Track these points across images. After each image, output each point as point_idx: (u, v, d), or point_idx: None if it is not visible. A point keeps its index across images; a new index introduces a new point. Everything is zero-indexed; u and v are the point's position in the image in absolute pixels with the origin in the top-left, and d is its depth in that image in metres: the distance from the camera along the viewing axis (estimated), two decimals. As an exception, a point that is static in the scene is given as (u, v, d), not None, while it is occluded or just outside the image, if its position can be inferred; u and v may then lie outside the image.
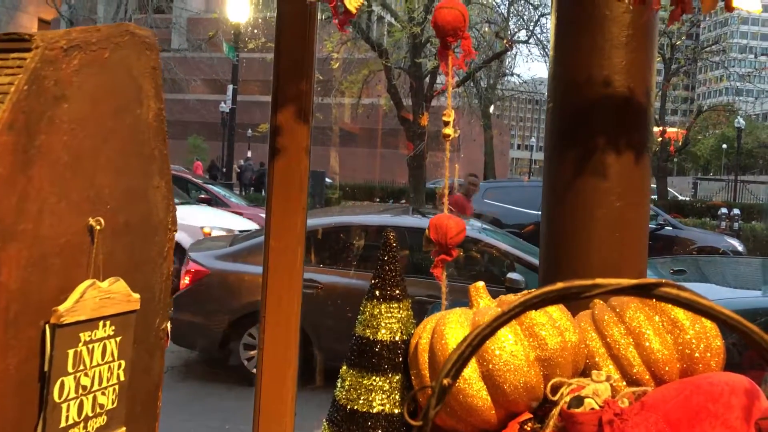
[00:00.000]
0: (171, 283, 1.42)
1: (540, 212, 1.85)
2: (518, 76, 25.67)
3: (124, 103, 1.27)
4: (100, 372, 1.19)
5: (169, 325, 1.44)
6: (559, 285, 0.66)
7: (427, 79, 16.98)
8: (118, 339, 1.22)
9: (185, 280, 6.41)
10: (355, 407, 1.41)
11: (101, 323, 1.18)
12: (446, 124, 1.55)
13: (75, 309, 1.12)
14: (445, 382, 0.65)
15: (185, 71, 31.30)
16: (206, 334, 6.47)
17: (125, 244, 1.27)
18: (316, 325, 6.08)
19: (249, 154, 36.17)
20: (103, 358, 1.20)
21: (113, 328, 1.21)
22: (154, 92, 1.35)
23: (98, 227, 1.18)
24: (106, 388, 1.21)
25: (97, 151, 1.20)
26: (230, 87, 25.25)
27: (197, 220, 10.90)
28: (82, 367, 1.15)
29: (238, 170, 30.59)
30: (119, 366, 1.24)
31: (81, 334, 1.15)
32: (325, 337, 6.01)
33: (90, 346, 1.17)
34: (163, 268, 1.39)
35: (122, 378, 1.24)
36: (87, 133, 1.18)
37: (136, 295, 1.26)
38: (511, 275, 5.87)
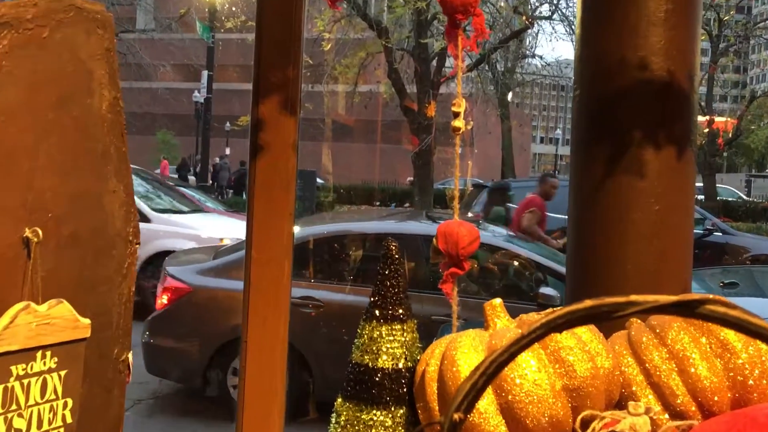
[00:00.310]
0: (133, 305, 1.39)
1: (567, 217, 1.85)
2: (540, 57, 25.69)
3: (69, 92, 1.23)
4: (39, 412, 1.15)
5: (131, 356, 1.41)
6: (588, 303, 0.66)
7: (434, 63, 17.01)
8: (62, 373, 1.18)
9: (163, 299, 6.38)
10: (353, 446, 1.41)
11: (39, 354, 1.14)
12: (456, 115, 1.55)
13: (3, 337, 1.08)
14: (456, 417, 0.65)
15: (152, 55, 31.32)
16: (187, 362, 6.44)
17: (73, 259, 1.24)
18: (316, 349, 6.06)
19: (227, 151, 36.22)
20: (43, 396, 1.15)
21: (56, 360, 1.17)
22: (109, 78, 1.31)
23: (36, 239, 1.14)
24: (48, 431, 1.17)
25: (35, 149, 1.16)
26: (205, 73, 25.31)
27: (214, 230, 10.49)
28: (14, 407, 1.11)
29: (212, 170, 30.65)
30: (65, 405, 1.19)
31: (13, 367, 1.11)
32: (325, 363, 5.99)
33: (25, 381, 1.12)
34: (123, 288, 1.36)
35: (69, 420, 1.20)
36: (21, 126, 1.14)
37: (85, 321, 1.22)
38: (544, 290, 5.88)
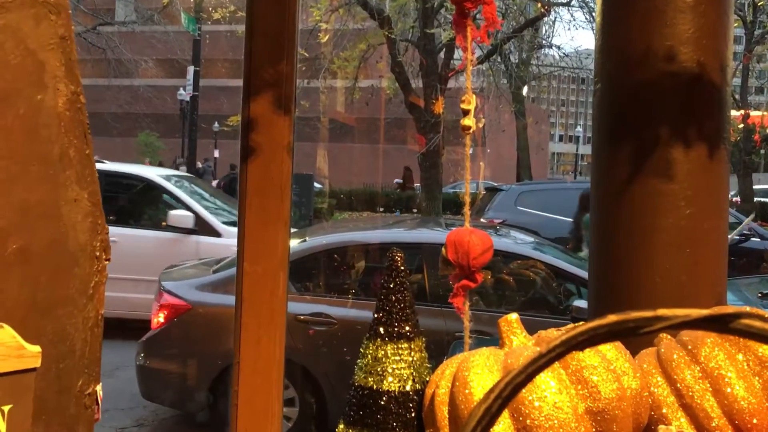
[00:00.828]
0: (102, 330, 1.33)
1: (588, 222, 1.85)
2: (558, 48, 25.68)
3: (14, 87, 1.18)
4: None
5: (100, 388, 1.34)
6: (612, 318, 0.66)
7: (442, 55, 17.02)
8: (5, 408, 1.12)
9: (159, 318, 6.35)
10: (356, 477, 1.41)
11: None
12: (466, 112, 1.55)
13: None
14: (469, 444, 0.65)
15: (133, 50, 31.41)
16: (187, 387, 6.41)
17: (22, 278, 1.18)
18: (328, 370, 6.04)
19: (216, 153, 36.26)
20: None
21: None
22: (65, 71, 1.26)
23: None
24: (-9, 478, 1.10)
25: (-31, 153, 1.11)
26: (191, 69, 25.36)
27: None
28: None
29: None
30: None
31: None
32: (339, 386, 5.95)
33: None
34: (89, 311, 1.29)
35: None
36: None
37: (34, 348, 1.15)
38: (578, 303, 5.86)
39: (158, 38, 33.96)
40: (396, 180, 25.42)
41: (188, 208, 9.60)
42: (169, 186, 10.27)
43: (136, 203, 10.59)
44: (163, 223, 9.66)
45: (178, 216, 9.45)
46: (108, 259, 1.36)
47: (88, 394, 1.32)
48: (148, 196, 10.47)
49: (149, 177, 10.51)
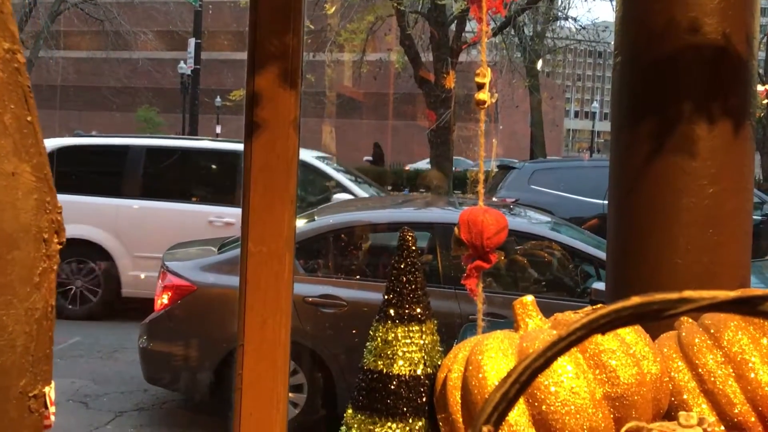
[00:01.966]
0: (53, 323, 1.23)
1: (607, 202, 1.85)
2: (574, 20, 25.50)
3: None
4: None
5: (51, 390, 1.24)
6: (635, 300, 0.66)
7: (453, 27, 16.94)
8: None
9: (163, 299, 6.37)
10: (365, 464, 1.42)
11: None
12: (480, 86, 1.55)
13: None
14: (486, 430, 0.65)
15: (132, 21, 31.34)
16: (190, 370, 6.44)
17: None
18: (338, 354, 6.05)
19: (218, 129, 36.25)
20: None
21: None
22: None
23: None
24: None
25: None
26: (192, 41, 25.30)
27: None
28: None
29: None
30: None
31: None
32: (349, 370, 5.96)
33: None
34: (35, 302, 1.17)
35: None
36: None
37: None
38: (596, 285, 5.85)
39: (158, 9, 33.88)
40: (366, 158, 25.36)
41: (347, 190, 9.70)
42: (325, 168, 10.37)
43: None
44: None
45: (341, 199, 9.58)
46: (62, 243, 1.23)
47: (34, 396, 1.19)
48: (306, 179, 10.61)
49: (305, 160, 10.64)
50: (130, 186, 9.87)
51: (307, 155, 10.99)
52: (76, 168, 10.00)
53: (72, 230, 9.33)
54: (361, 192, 10.01)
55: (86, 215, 9.37)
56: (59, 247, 1.21)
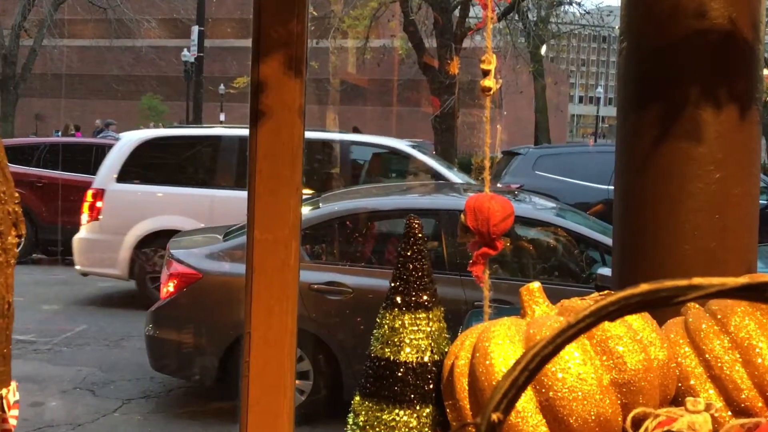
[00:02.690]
0: (11, 322, 1.16)
1: (612, 187, 1.84)
2: (578, 5, 25.43)
3: None
4: None
5: (9, 392, 1.16)
6: (644, 287, 0.66)
7: (456, 13, 16.89)
8: None
9: (169, 287, 6.38)
10: (373, 450, 1.42)
11: None
12: (486, 73, 1.54)
13: None
14: (495, 417, 0.65)
15: (135, 9, 31.29)
16: (196, 358, 6.46)
17: None
18: (344, 341, 6.06)
19: (222, 117, 36.26)
20: None
21: None
22: None
23: None
24: None
25: None
26: (195, 29, 25.27)
27: None
28: None
29: None
30: None
31: None
32: (355, 357, 5.97)
33: None
34: None
35: None
36: None
37: None
38: (602, 271, 5.85)
39: (161, -4, 33.82)
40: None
41: (442, 176, 9.70)
42: (420, 155, 10.38)
43: (386, 173, 10.82)
44: None
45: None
46: (20, 236, 1.14)
47: None
48: (400, 167, 10.64)
49: (399, 148, 10.64)
50: (225, 176, 9.84)
51: (399, 143, 10.99)
52: (164, 159, 10.01)
53: (166, 221, 9.34)
54: (456, 178, 10.00)
55: (180, 206, 9.39)
56: (17, 240, 1.12)
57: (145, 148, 9.78)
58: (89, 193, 9.53)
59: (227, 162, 10.03)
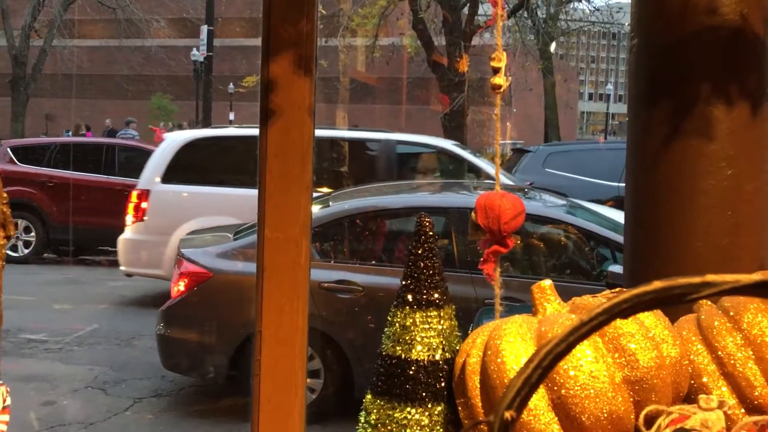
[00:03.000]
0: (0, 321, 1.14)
1: (623, 184, 1.84)
2: (588, 2, 25.41)
3: None
4: None
5: (1, 395, 1.15)
6: (657, 284, 0.66)
7: (465, 10, 16.88)
8: None
9: (179, 286, 6.40)
10: (385, 448, 1.42)
11: None
12: (496, 71, 1.54)
13: None
14: (508, 415, 0.65)
15: (145, 9, 31.36)
16: (207, 356, 6.47)
17: None
18: (354, 339, 6.05)
19: (231, 116, 36.30)
20: None
21: None
22: None
23: None
24: None
25: None
26: (204, 28, 25.31)
27: None
28: None
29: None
30: None
31: None
32: (365, 355, 5.97)
33: None
34: None
35: None
36: None
37: None
38: (613, 268, 5.84)
39: (170, -4, 33.89)
40: None
41: (491, 176, 9.65)
42: (467, 155, 10.35)
43: (434, 173, 10.80)
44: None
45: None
46: (8, 237, 1.13)
47: None
48: (449, 168, 10.61)
49: (447, 148, 10.62)
50: None
51: (446, 143, 10.96)
52: (209, 160, 9.99)
53: (211, 222, 9.32)
54: (507, 180, 9.96)
55: (224, 206, 9.38)
56: (4, 242, 1.10)
57: (189, 148, 9.77)
58: (134, 193, 9.54)
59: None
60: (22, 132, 27.58)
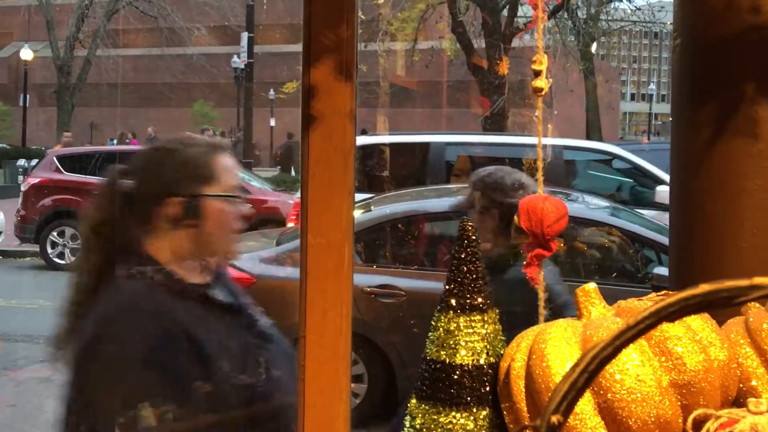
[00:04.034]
0: None
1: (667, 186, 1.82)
2: (629, 1, 25.18)
3: None
4: None
5: None
6: (704, 287, 0.66)
7: (505, 12, 16.82)
8: None
9: None
10: (430, 453, 1.42)
11: None
12: (537, 73, 1.53)
13: None
14: (555, 419, 0.65)
15: (186, 17, 31.73)
16: None
17: None
18: (398, 344, 6.05)
19: (272, 122, 36.55)
20: None
21: None
22: None
23: None
24: None
25: None
26: (245, 35, 25.53)
27: None
28: None
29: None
30: None
31: None
32: (410, 361, 5.98)
33: None
34: None
35: None
36: None
37: None
38: (658, 270, 5.78)
39: (211, 4, 34.23)
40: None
41: (659, 179, 9.49)
42: (635, 158, 10.29)
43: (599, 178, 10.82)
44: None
45: (665, 192, 9.56)
46: None
47: None
48: (618, 173, 10.59)
49: (616, 152, 10.60)
50: (435, 181, 9.74)
51: (614, 147, 10.84)
52: (376, 166, 10.06)
53: None
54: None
55: None
56: None
57: (357, 155, 9.82)
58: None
59: (436, 167, 9.97)
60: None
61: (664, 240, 6.27)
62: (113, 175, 2.12)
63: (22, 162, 25.09)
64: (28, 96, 32.65)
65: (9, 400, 7.29)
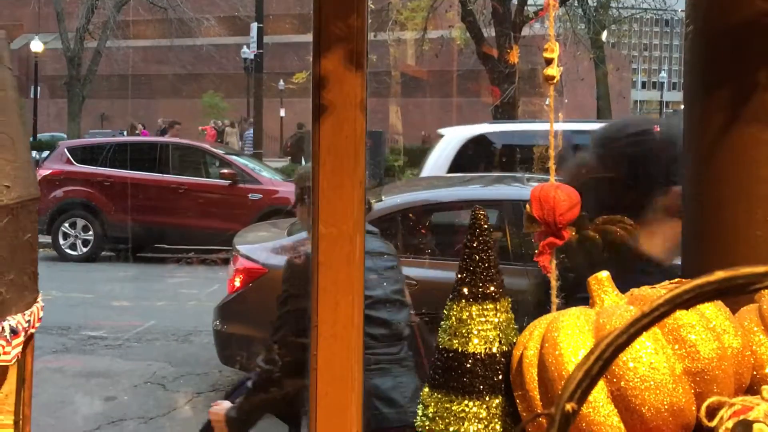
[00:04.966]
0: None
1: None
2: (640, -12, 25.04)
3: None
4: None
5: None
6: (720, 274, 0.65)
7: (515, 1, 16.76)
8: None
9: (235, 282, 6.46)
10: (443, 442, 1.42)
11: None
12: (549, 62, 1.53)
13: None
14: (569, 407, 0.65)
15: (195, 8, 31.72)
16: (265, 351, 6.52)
17: None
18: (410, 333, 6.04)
19: (282, 112, 36.55)
20: None
21: None
22: None
23: None
24: None
25: None
26: (254, 26, 25.52)
27: None
28: None
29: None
30: None
31: None
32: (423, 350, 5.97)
33: None
34: None
35: None
36: None
37: None
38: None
39: (219, -6, 34.21)
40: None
41: None
42: None
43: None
44: None
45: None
46: None
47: None
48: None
49: None
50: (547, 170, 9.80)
51: None
52: (487, 156, 10.04)
53: None
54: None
55: None
56: None
57: (469, 145, 9.76)
58: None
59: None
60: (78, 132, 28.09)
61: None
62: None
63: (33, 154, 25.16)
64: (38, 88, 32.76)
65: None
